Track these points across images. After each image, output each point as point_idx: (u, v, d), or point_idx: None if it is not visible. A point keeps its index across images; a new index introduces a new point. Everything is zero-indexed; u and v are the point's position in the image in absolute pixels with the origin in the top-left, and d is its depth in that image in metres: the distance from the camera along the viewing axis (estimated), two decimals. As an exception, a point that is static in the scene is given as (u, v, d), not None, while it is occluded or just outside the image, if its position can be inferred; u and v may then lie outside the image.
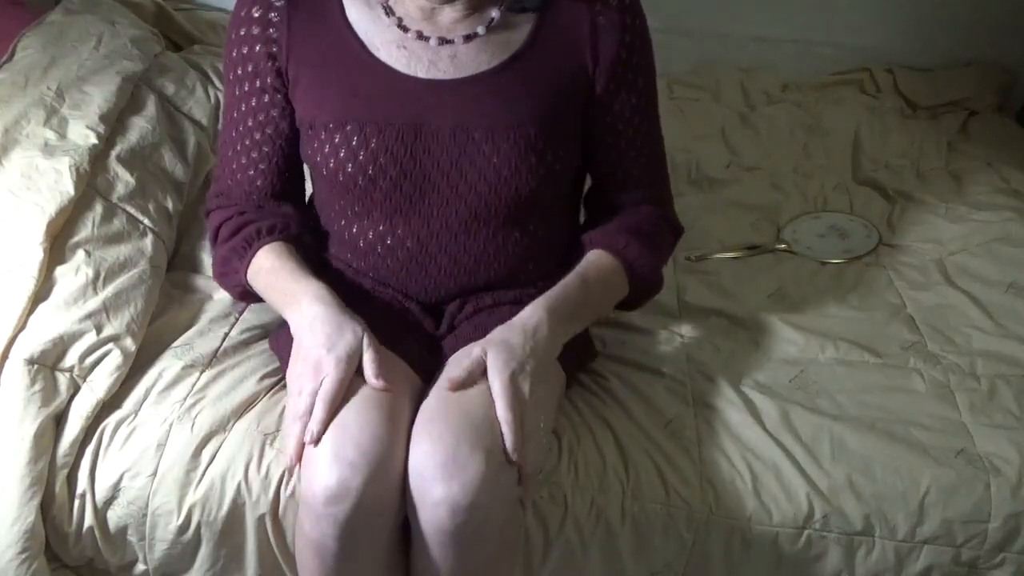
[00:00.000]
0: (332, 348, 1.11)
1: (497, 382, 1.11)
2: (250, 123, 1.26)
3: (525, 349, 1.14)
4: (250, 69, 1.24)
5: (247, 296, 1.30)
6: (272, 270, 1.23)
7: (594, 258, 1.27)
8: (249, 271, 1.25)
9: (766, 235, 1.74)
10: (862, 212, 1.81)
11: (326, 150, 1.21)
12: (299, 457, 1.10)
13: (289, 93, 1.24)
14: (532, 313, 1.18)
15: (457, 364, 1.15)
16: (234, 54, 1.24)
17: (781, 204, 1.82)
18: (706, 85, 2.13)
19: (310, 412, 1.09)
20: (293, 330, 1.18)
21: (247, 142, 1.27)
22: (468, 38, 1.21)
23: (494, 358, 1.13)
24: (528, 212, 1.25)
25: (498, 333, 1.17)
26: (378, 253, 1.26)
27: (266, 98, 1.24)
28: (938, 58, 2.17)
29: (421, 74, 1.20)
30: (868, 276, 1.63)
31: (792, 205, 1.82)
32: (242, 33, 1.23)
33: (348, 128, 1.20)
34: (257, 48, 1.22)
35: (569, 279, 1.23)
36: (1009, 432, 1.29)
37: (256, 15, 1.22)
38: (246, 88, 1.25)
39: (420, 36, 1.21)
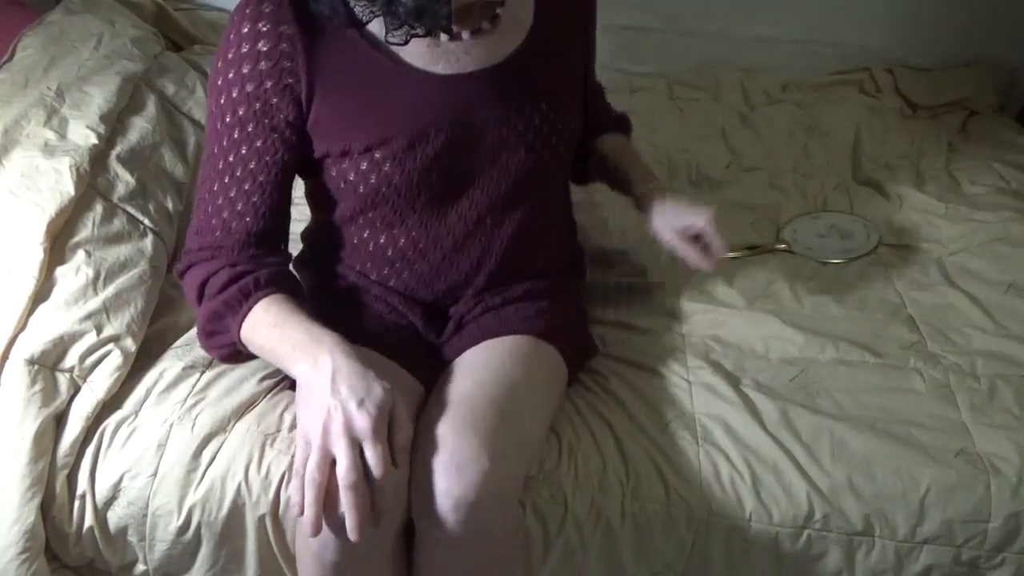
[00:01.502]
0: (362, 403, 1.02)
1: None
2: (252, 166, 1.16)
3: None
4: (258, 107, 1.13)
5: (233, 357, 1.21)
6: (276, 323, 1.13)
7: (623, 144, 1.48)
8: (244, 325, 1.15)
9: (766, 235, 1.74)
10: (862, 212, 1.81)
11: (363, 167, 1.17)
12: (359, 528, 1.01)
13: (308, 126, 1.16)
14: (656, 186, 1.40)
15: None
16: (235, 94, 1.13)
17: (781, 204, 1.82)
18: (706, 85, 2.12)
19: (357, 472, 1.00)
20: (304, 381, 1.08)
21: (247, 186, 1.16)
22: (493, 20, 1.21)
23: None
24: (549, 184, 1.29)
25: (681, 201, 1.36)
26: (407, 259, 1.25)
27: (275, 136, 1.15)
28: (938, 58, 2.17)
29: (460, 70, 1.18)
30: (868, 276, 1.63)
31: (792, 205, 1.82)
32: (245, 71, 1.12)
33: (393, 144, 1.16)
34: (269, 85, 1.13)
35: (635, 162, 1.45)
36: (1009, 432, 1.29)
37: (264, 49, 1.12)
38: (250, 129, 1.15)
39: (453, 36, 1.18)
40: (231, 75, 1.13)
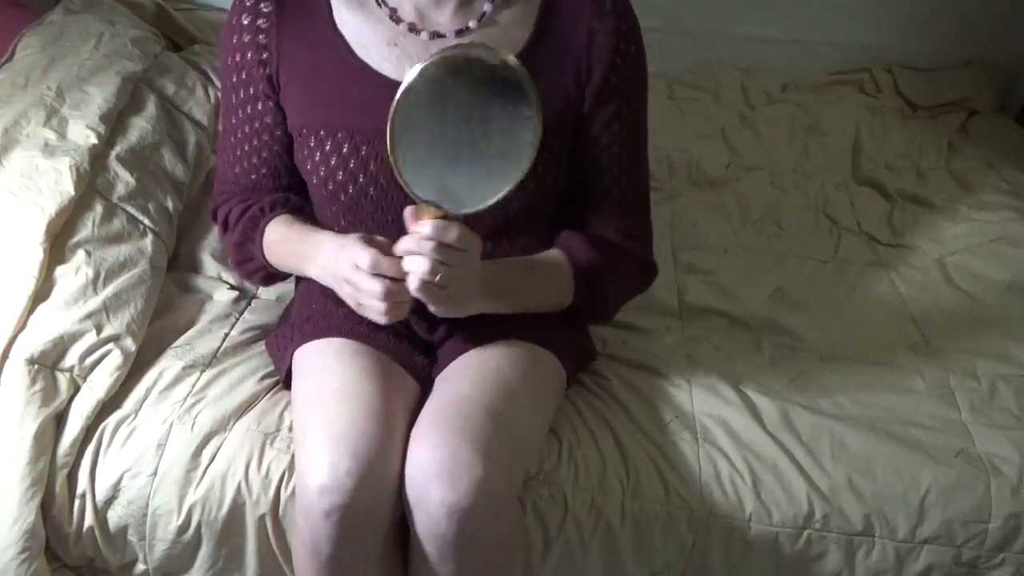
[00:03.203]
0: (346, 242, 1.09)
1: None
2: (247, 129, 1.25)
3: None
4: (244, 76, 1.23)
5: (272, 278, 1.30)
6: (282, 239, 1.22)
7: (550, 252, 1.24)
8: (264, 250, 1.24)
9: (765, 233, 1.74)
10: (862, 212, 1.81)
11: (316, 157, 1.20)
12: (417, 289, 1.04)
13: (280, 99, 1.23)
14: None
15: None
16: (229, 62, 1.24)
17: (781, 204, 1.82)
18: (706, 85, 2.13)
19: (374, 258, 1.05)
20: (320, 275, 1.16)
21: (246, 147, 1.27)
22: (459, 33, 1.18)
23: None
24: (519, 225, 1.23)
25: None
26: None
27: (259, 105, 1.23)
28: (938, 58, 2.17)
29: None
30: (868, 276, 1.63)
31: (792, 205, 1.82)
32: (234, 41, 1.23)
33: (338, 136, 1.19)
34: (249, 56, 1.22)
35: (516, 259, 1.22)
36: (1009, 432, 1.30)
37: (246, 22, 1.21)
38: (240, 95, 1.24)
39: (412, 29, 1.18)
40: (226, 45, 1.24)
